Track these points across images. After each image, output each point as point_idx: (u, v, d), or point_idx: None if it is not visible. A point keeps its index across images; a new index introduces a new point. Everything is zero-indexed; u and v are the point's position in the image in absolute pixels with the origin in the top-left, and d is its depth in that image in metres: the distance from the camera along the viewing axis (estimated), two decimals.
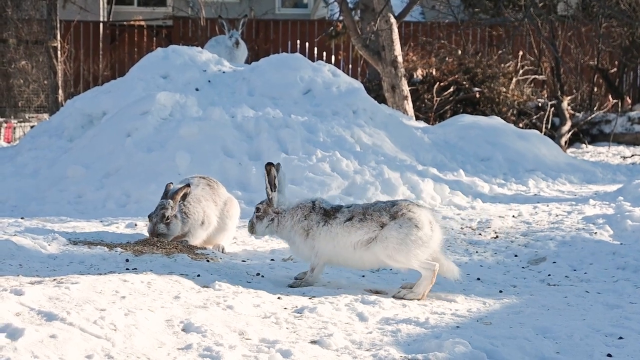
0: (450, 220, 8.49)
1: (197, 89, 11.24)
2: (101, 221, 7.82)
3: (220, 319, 4.44)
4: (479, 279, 6.20)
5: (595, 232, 7.66)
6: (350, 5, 16.53)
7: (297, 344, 4.10)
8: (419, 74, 17.62)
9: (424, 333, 4.46)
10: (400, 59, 14.41)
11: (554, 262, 6.83)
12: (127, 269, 5.55)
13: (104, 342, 3.84)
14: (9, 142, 15.37)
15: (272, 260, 6.52)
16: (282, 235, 5.76)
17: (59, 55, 16.81)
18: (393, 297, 5.33)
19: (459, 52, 18.84)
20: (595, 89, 19.98)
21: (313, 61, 12.26)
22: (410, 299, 5.29)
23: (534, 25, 18.56)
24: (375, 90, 16.52)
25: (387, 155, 10.40)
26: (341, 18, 16.74)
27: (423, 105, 16.99)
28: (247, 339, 4.19)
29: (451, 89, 17.35)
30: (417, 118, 15.08)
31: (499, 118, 14.15)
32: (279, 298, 5.10)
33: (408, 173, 9.92)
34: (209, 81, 11.55)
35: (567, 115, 17.47)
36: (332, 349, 4.14)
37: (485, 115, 15.20)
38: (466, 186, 10.25)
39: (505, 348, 4.16)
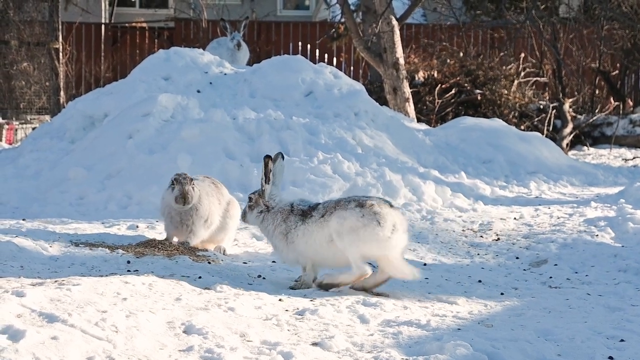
0: (452, 223, 8.49)
1: (198, 91, 11.24)
2: (102, 223, 7.82)
3: (222, 320, 4.45)
4: (480, 281, 6.20)
5: (597, 235, 7.66)
6: (352, 7, 16.52)
7: (298, 346, 4.10)
8: (420, 76, 17.62)
9: (425, 335, 4.46)
10: (401, 61, 14.42)
11: (556, 265, 6.83)
12: (128, 270, 5.55)
13: (105, 344, 3.84)
14: (10, 144, 15.37)
15: (274, 262, 6.52)
16: (267, 237, 5.86)
17: (60, 57, 16.83)
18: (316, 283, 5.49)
19: (461, 54, 18.83)
20: (597, 92, 19.96)
21: (315, 63, 12.25)
22: (328, 283, 5.44)
23: (536, 28, 18.56)
24: (377, 93, 16.51)
25: (389, 157, 10.40)
26: (343, 20, 16.76)
27: (424, 107, 16.99)
28: (248, 340, 4.19)
29: (453, 91, 17.34)
30: (419, 120, 15.07)
31: (501, 120, 14.14)
32: (280, 300, 5.10)
33: (409, 175, 9.92)
34: (211, 83, 11.55)
35: (569, 118, 17.46)
36: (333, 351, 4.14)
37: (487, 117, 15.19)
38: (468, 188, 10.24)
39: (507, 350, 4.16)
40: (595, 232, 7.77)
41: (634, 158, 15.78)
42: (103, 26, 22.53)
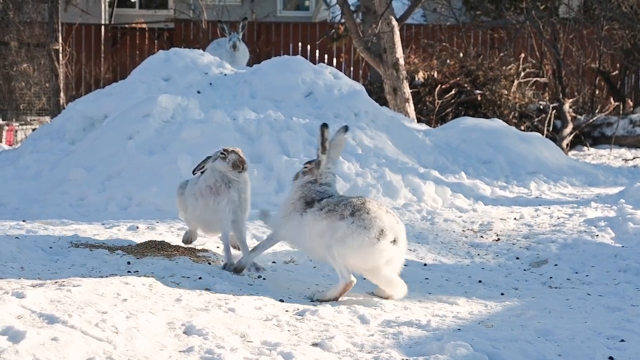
0: (452, 223, 8.49)
1: (198, 92, 11.23)
2: (103, 224, 7.82)
3: (222, 321, 4.45)
4: (480, 281, 6.20)
5: (597, 235, 7.66)
6: (352, 8, 16.52)
7: (298, 347, 4.11)
8: (420, 76, 17.62)
9: (425, 335, 4.46)
10: (401, 61, 14.42)
11: (556, 265, 6.83)
12: (128, 271, 5.55)
13: (105, 345, 3.84)
14: (10, 145, 15.38)
15: (274, 262, 6.52)
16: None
17: (60, 58, 16.83)
18: (308, 297, 5.32)
19: (461, 54, 18.84)
20: (597, 92, 19.96)
21: (315, 64, 12.26)
22: (319, 299, 5.22)
23: (536, 28, 18.56)
24: (377, 93, 16.52)
25: (389, 158, 10.40)
26: (343, 20, 16.75)
27: (424, 107, 16.99)
28: (248, 341, 4.19)
29: (453, 92, 17.34)
30: (419, 120, 15.08)
31: (501, 120, 14.14)
32: (280, 300, 5.10)
33: (410, 175, 9.92)
34: (211, 84, 11.55)
35: (569, 118, 17.46)
36: (333, 351, 4.14)
37: (487, 117, 15.19)
38: (468, 189, 10.24)
39: (507, 351, 4.16)
40: (595, 232, 7.77)
41: (634, 158, 15.78)
42: (103, 27, 22.55)
